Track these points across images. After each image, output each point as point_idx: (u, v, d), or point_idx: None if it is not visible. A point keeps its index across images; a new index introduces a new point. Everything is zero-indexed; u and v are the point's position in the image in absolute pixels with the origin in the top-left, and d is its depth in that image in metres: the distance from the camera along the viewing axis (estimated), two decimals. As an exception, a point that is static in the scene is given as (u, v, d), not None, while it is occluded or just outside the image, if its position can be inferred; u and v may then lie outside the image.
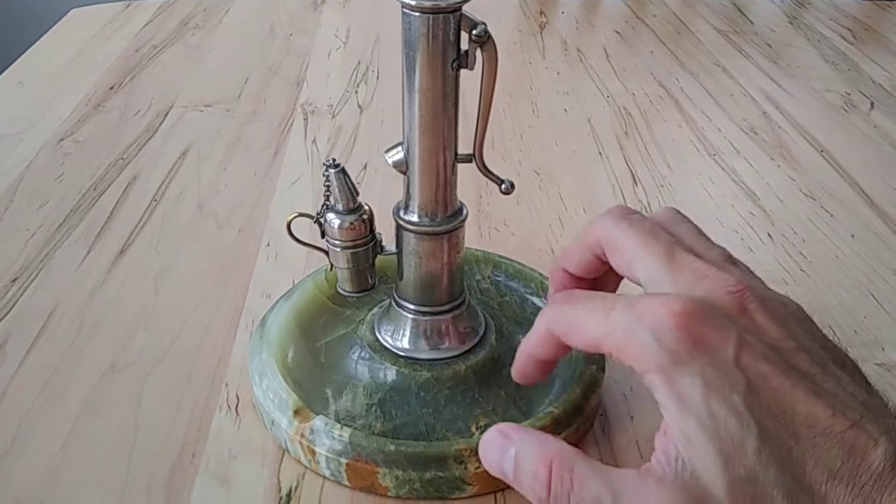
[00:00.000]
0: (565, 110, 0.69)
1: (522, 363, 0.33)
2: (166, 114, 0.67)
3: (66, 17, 0.88)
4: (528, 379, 0.34)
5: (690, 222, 0.33)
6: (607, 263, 0.32)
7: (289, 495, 0.34)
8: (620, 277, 0.33)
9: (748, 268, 0.32)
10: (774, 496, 0.24)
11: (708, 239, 0.32)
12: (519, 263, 0.45)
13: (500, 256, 0.46)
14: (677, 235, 0.31)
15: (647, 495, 0.26)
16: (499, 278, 0.45)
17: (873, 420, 0.25)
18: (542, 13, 0.92)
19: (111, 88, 0.71)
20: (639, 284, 0.31)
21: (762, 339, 0.27)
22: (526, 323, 0.42)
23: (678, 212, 0.33)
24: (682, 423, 0.26)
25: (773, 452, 0.24)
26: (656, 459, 0.26)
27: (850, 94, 0.72)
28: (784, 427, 0.25)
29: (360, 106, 0.69)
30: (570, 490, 0.27)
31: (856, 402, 0.26)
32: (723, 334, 0.26)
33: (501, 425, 0.30)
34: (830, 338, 0.29)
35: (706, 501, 0.25)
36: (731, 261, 0.31)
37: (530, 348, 0.33)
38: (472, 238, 0.51)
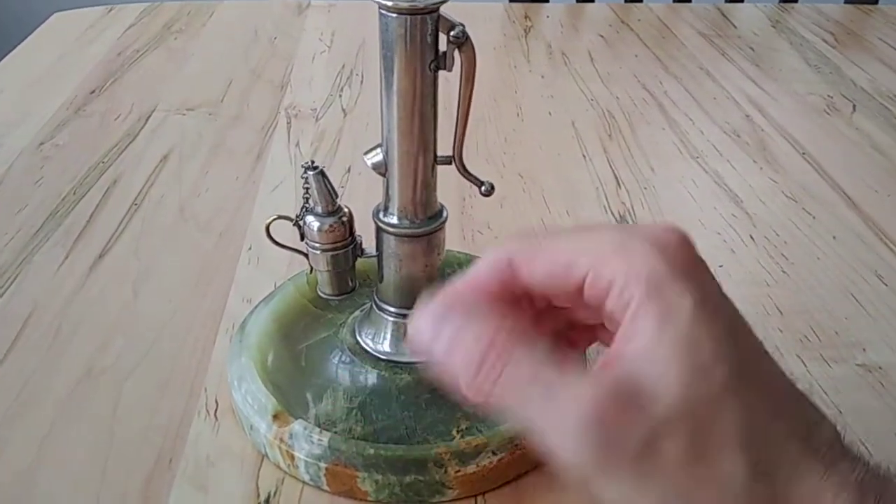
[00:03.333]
0: (549, 114, 0.69)
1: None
2: (148, 118, 0.66)
3: (48, 21, 0.87)
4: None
5: None
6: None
7: (267, 501, 0.34)
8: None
9: None
10: (728, 420, 0.23)
11: None
12: (501, 266, 0.45)
13: (483, 259, 0.46)
14: None
15: (581, 392, 0.23)
16: (481, 281, 0.45)
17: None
18: (527, 17, 0.92)
19: (92, 92, 0.71)
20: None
21: None
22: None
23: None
24: (659, 338, 0.23)
25: (742, 385, 0.24)
26: (615, 372, 0.24)
27: (832, 98, 0.73)
28: (757, 368, 0.25)
29: (343, 110, 0.69)
30: (497, 377, 0.24)
31: None
32: None
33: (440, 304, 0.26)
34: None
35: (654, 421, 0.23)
36: None
37: (470, 278, 0.27)
38: (456, 241, 0.51)
